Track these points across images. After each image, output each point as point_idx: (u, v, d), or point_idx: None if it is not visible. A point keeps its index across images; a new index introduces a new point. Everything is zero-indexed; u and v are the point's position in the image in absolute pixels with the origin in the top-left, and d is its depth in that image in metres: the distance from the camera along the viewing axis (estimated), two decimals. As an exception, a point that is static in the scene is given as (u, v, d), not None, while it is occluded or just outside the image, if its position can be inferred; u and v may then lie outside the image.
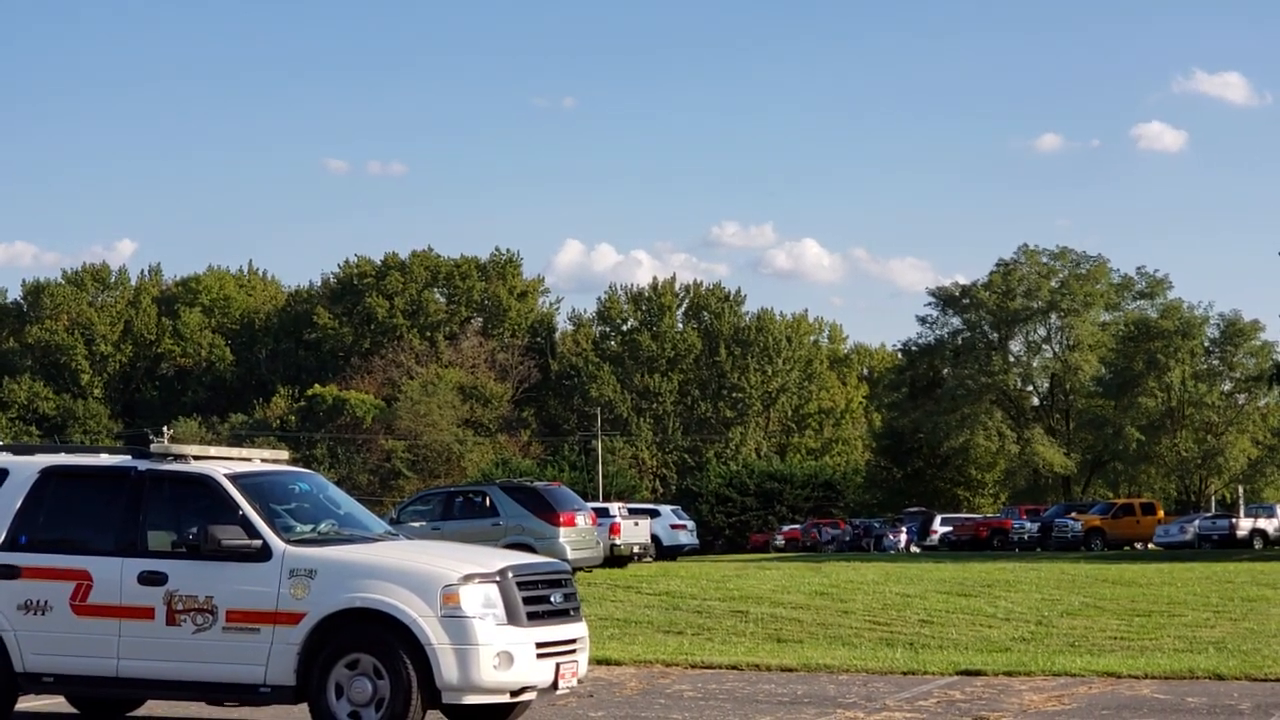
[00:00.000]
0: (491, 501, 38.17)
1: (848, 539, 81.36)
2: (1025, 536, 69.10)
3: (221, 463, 14.99)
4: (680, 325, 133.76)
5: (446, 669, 13.33)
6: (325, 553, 14.04)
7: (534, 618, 13.82)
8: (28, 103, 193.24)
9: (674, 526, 60.76)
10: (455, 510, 38.37)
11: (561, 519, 37.19)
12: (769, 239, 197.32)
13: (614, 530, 45.09)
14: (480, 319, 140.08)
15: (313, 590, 13.65)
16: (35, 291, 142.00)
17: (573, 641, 14.30)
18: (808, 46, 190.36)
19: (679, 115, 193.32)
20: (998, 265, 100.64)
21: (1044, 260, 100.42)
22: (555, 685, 14.00)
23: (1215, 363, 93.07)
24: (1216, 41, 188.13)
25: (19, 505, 14.79)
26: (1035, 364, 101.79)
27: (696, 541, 64.81)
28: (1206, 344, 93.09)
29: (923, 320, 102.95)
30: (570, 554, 35.45)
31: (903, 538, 76.55)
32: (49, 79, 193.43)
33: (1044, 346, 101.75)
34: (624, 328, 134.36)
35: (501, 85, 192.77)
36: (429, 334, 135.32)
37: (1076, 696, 17.06)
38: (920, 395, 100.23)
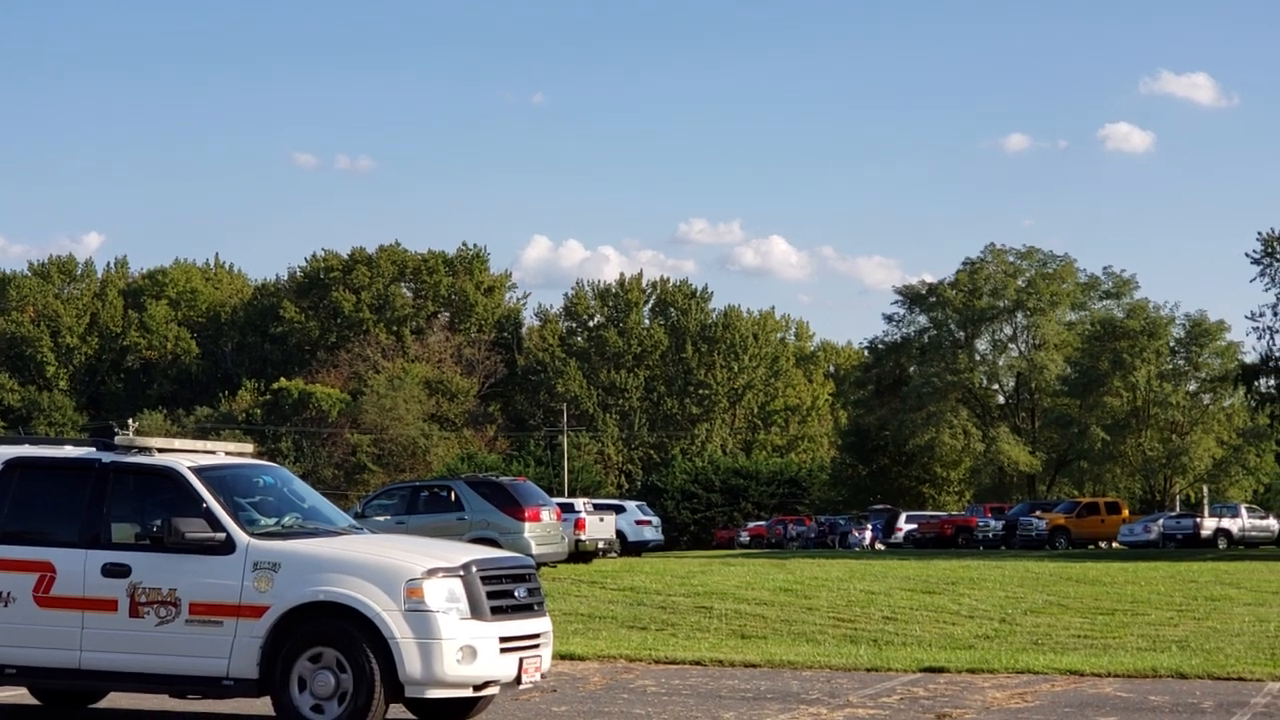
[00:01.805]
0: (457, 496, 38.14)
1: (813, 536, 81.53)
2: (990, 535, 69.33)
3: (186, 455, 14.95)
4: (647, 321, 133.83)
5: (409, 663, 13.32)
6: (289, 546, 14.02)
7: (497, 612, 13.83)
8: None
9: (639, 522, 60.83)
10: (420, 505, 38.33)
11: (526, 514, 37.18)
12: (737, 236, 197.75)
13: (579, 525, 45.12)
14: (447, 314, 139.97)
15: (276, 583, 13.63)
16: (1, 283, 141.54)
17: (536, 636, 14.30)
18: (776, 45, 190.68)
19: (648, 112, 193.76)
20: (964, 264, 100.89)
21: (1011, 259, 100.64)
22: (519, 680, 14.01)
23: (1181, 363, 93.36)
24: (1184, 42, 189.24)
25: (-18, 497, 14.73)
26: (1001, 363, 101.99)
27: (662, 537, 64.86)
28: (1172, 344, 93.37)
29: (889, 318, 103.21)
30: (535, 549, 35.48)
31: (868, 535, 76.71)
32: (15, 70, 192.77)
33: (1010, 345, 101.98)
34: (590, 324, 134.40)
35: (470, 80, 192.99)
36: (395, 328, 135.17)
37: (1039, 694, 17.11)
38: (886, 393, 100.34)
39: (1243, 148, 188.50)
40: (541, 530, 37.42)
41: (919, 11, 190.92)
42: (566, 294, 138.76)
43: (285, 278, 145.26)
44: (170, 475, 14.43)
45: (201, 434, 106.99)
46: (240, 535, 13.92)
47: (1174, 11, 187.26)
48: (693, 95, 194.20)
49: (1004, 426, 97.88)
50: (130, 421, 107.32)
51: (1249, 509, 70.16)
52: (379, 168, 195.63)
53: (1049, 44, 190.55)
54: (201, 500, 14.11)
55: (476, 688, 13.72)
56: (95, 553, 14.18)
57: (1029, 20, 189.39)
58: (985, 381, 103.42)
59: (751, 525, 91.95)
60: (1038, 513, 71.01)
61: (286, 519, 14.78)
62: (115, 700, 16.13)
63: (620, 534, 53.89)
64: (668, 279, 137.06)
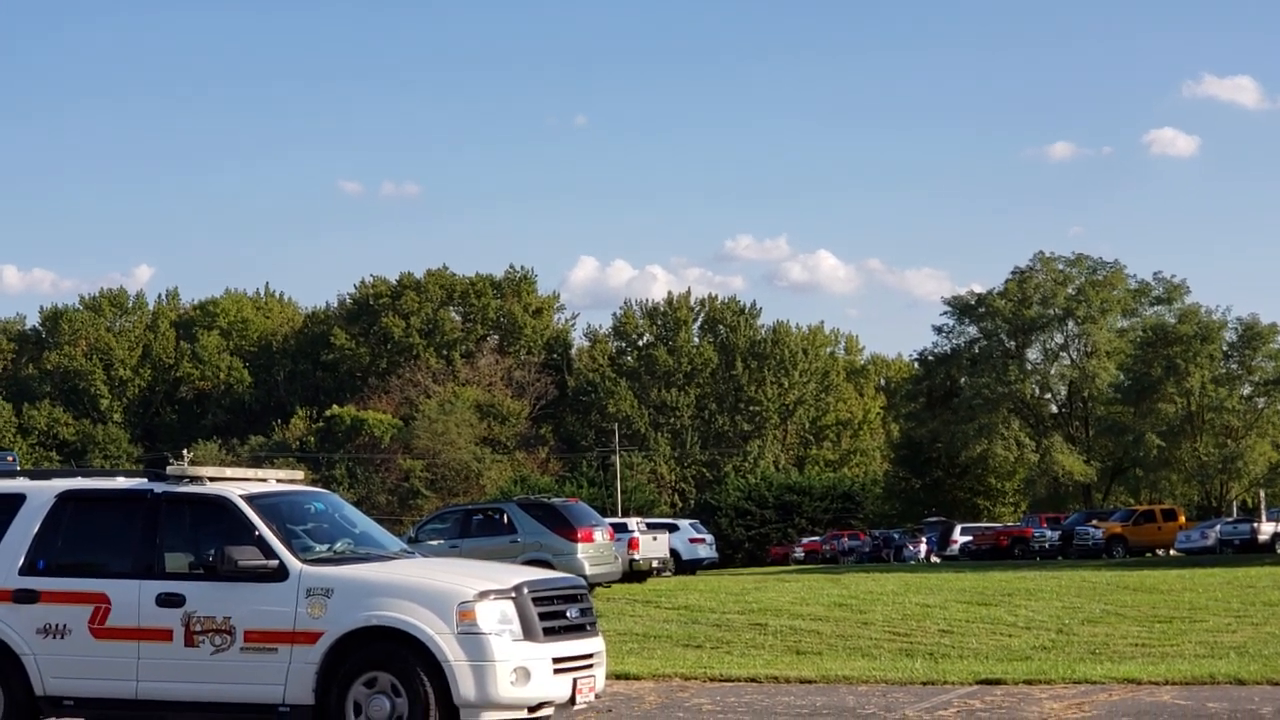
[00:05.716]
0: (509, 519, 38.13)
1: (867, 550, 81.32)
2: (1046, 545, 68.83)
3: (237, 484, 15.02)
4: (696, 339, 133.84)
5: (464, 686, 13.35)
6: (342, 571, 14.09)
7: (550, 633, 13.86)
8: (44, 130, 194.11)
9: (693, 540, 60.63)
10: (473, 528, 38.33)
11: (579, 535, 37.16)
12: (783, 252, 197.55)
13: (632, 545, 45.00)
14: (496, 336, 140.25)
15: (330, 609, 13.69)
16: (54, 318, 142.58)
17: (590, 656, 14.33)
18: (818, 59, 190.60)
19: (691, 130, 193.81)
20: (1013, 273, 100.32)
21: (1060, 267, 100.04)
22: (573, 700, 14.03)
23: (1234, 367, 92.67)
24: (1226, 45, 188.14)
25: (36, 529, 14.84)
26: (1053, 371, 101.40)
27: (715, 555, 64.71)
28: (1225, 348, 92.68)
29: (939, 330, 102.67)
30: (589, 569, 35.43)
31: (922, 548, 76.37)
32: (64, 105, 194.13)
33: (1061, 354, 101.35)
34: (640, 343, 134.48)
35: (513, 104, 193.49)
36: (445, 353, 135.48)
37: (1097, 704, 17.03)
38: (938, 405, 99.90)
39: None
40: (595, 551, 37.40)
41: (960, 23, 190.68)
42: (615, 314, 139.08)
43: (335, 305, 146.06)
44: (222, 504, 14.51)
45: (256, 463, 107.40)
46: (293, 562, 13.99)
47: (1215, 15, 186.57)
48: (735, 112, 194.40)
49: (1057, 436, 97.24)
50: (185, 452, 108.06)
51: (1307, 512, 69.43)
52: (425, 193, 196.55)
53: (1090, 51, 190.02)
54: (254, 528, 14.19)
55: (531, 709, 13.72)
56: (149, 583, 14.27)
57: (1070, 28, 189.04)
58: (1037, 391, 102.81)
59: (806, 541, 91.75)
60: (1094, 522, 70.53)
61: (338, 545, 14.86)
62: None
63: (674, 553, 53.72)
64: (716, 296, 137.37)
